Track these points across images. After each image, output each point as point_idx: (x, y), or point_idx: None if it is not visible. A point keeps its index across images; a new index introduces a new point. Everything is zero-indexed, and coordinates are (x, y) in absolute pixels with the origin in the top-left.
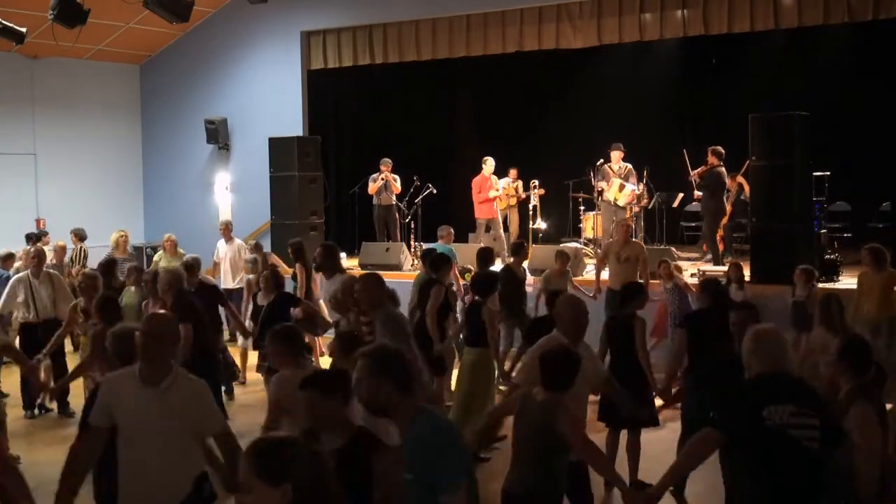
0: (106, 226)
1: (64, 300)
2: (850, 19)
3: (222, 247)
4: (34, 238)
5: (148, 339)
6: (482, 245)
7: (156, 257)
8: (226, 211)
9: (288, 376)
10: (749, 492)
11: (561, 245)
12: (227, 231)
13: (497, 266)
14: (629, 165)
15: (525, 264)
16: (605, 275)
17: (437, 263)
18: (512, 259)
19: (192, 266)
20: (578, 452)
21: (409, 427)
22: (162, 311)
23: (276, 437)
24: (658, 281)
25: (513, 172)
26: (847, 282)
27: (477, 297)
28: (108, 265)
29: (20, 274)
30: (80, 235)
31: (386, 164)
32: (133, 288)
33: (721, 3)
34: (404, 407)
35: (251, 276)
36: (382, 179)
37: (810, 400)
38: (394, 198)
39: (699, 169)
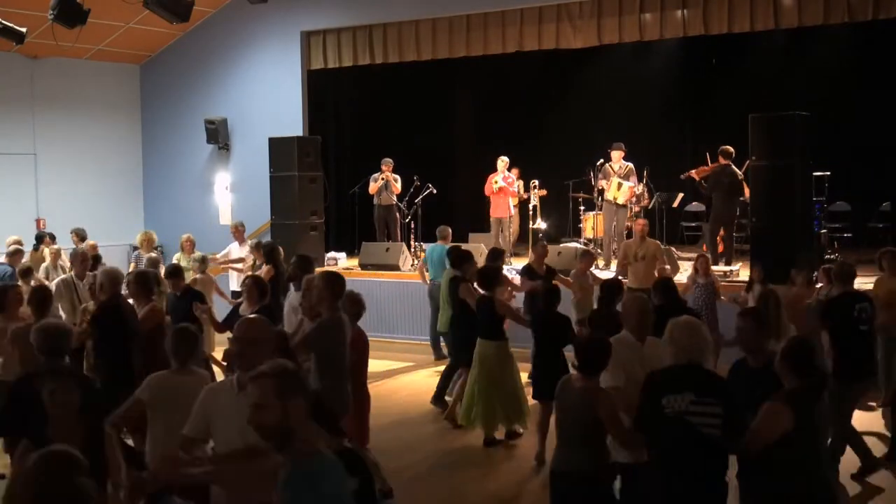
0: (106, 226)
1: None
2: (850, 19)
3: (235, 249)
4: (46, 239)
5: (241, 345)
6: (492, 246)
7: (175, 257)
8: (226, 211)
9: (162, 377)
10: (651, 477)
11: (561, 245)
12: (239, 233)
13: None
14: (630, 165)
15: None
16: (604, 274)
17: (459, 259)
18: (532, 258)
19: (176, 271)
20: (611, 434)
21: (305, 460)
22: (254, 315)
23: (50, 452)
24: None
25: (513, 172)
26: None
27: (485, 292)
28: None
29: (64, 276)
30: (80, 235)
31: (387, 164)
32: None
33: (721, 3)
34: (308, 437)
35: (199, 276)
36: (383, 179)
37: (714, 389)
38: (394, 198)
39: (699, 168)
